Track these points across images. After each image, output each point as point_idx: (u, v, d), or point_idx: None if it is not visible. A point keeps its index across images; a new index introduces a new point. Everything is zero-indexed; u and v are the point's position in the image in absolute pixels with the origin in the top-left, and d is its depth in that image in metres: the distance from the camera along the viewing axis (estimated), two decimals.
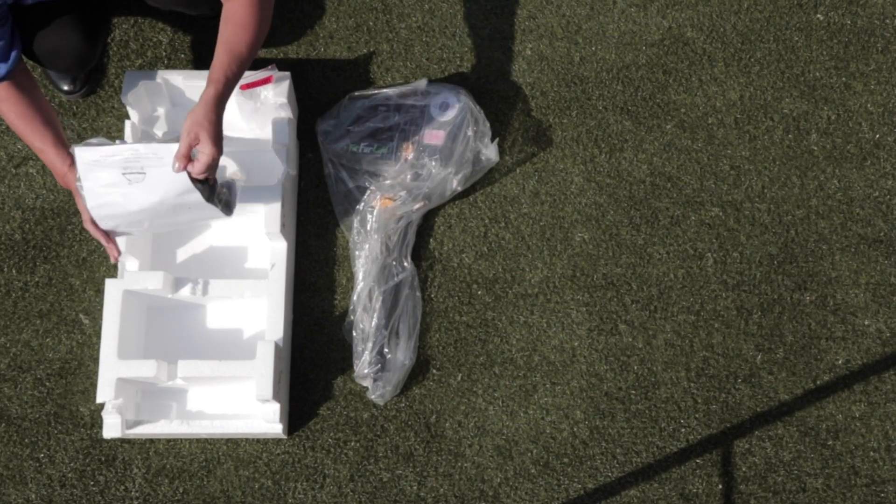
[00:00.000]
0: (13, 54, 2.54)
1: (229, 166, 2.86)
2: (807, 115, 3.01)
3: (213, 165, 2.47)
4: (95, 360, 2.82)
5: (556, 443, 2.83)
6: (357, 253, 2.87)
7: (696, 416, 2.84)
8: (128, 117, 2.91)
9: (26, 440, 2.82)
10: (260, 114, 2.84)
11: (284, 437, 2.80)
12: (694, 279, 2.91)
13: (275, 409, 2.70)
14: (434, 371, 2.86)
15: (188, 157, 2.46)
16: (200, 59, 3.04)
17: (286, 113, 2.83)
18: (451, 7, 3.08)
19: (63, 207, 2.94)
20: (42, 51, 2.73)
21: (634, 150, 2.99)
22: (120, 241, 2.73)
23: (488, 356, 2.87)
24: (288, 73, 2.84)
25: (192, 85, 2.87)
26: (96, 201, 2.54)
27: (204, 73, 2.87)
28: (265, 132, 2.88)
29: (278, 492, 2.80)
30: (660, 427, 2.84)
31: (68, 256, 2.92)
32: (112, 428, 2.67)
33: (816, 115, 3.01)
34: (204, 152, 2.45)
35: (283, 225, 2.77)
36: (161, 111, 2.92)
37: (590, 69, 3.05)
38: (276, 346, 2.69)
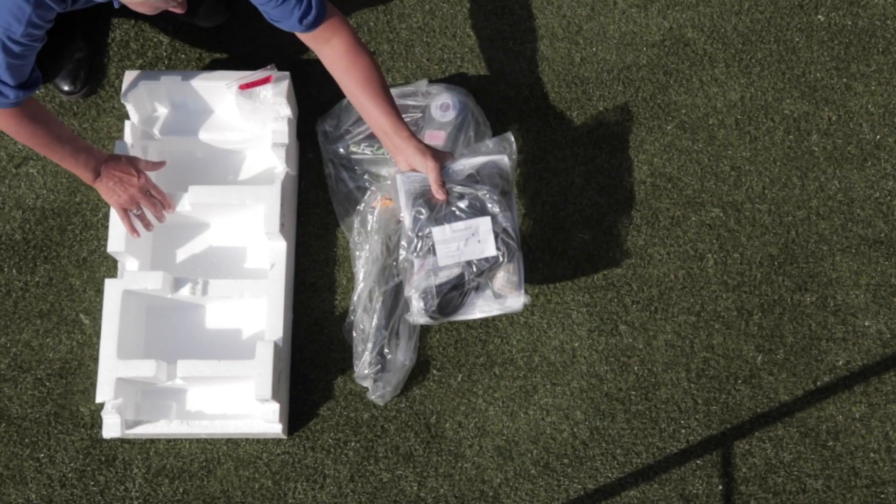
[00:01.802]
0: (38, 75, 2.54)
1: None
2: (807, 116, 3.01)
3: (437, 176, 2.58)
4: (95, 360, 2.82)
5: (556, 443, 2.83)
6: (357, 253, 2.87)
7: (697, 416, 2.84)
8: (128, 117, 2.91)
9: (26, 440, 2.82)
10: (259, 113, 2.84)
11: (284, 437, 2.80)
12: (694, 280, 2.91)
13: (274, 408, 2.70)
14: (434, 371, 2.86)
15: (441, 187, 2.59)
16: (201, 59, 3.03)
17: (286, 112, 2.83)
18: (452, 7, 3.08)
19: (63, 207, 2.94)
20: None
21: (635, 151, 2.99)
22: (120, 240, 2.73)
23: (488, 357, 2.87)
24: (287, 73, 2.84)
25: (192, 85, 2.86)
26: (445, 251, 2.61)
27: (203, 73, 2.87)
28: (264, 132, 2.88)
29: (278, 492, 2.80)
30: (660, 428, 2.84)
31: (68, 256, 2.92)
32: (112, 428, 2.67)
33: (817, 115, 3.01)
34: (427, 170, 2.58)
35: (282, 225, 2.77)
36: (161, 111, 2.92)
37: (590, 70, 3.04)
38: (276, 345, 2.69)
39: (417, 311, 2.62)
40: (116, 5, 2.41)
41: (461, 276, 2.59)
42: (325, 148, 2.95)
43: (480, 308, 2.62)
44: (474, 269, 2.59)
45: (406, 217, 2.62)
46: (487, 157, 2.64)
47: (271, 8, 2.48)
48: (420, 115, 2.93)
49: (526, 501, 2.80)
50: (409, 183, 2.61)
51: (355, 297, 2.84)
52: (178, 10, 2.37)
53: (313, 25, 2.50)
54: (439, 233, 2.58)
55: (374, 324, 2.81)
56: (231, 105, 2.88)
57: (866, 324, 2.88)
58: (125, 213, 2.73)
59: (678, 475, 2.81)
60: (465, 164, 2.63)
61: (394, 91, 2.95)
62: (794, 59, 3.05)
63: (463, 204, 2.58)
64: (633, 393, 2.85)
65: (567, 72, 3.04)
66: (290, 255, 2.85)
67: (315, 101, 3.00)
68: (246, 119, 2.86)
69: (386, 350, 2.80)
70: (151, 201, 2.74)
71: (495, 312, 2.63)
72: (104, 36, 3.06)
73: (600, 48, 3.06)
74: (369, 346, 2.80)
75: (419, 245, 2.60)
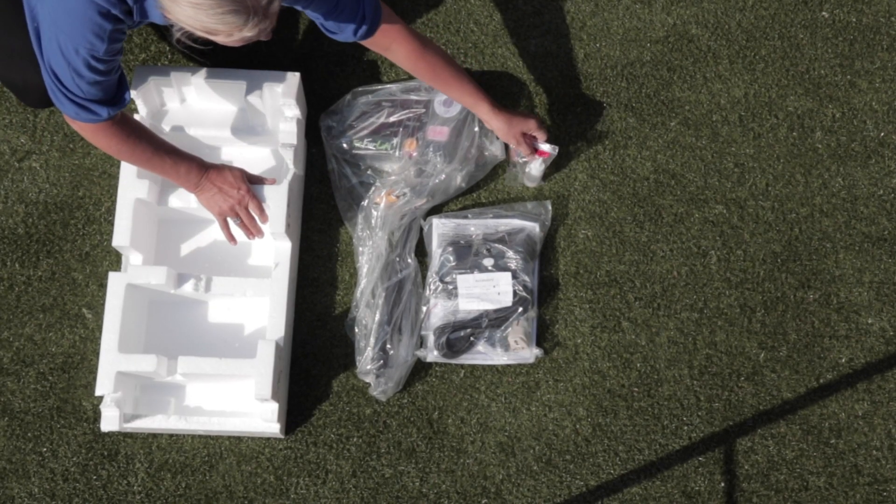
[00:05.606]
0: (126, 90, 2.54)
1: None
2: (811, 113, 3.00)
3: (519, 140, 2.84)
4: (98, 355, 2.82)
5: (558, 440, 2.82)
6: (361, 249, 2.87)
7: (699, 413, 2.83)
8: (137, 112, 2.91)
9: (29, 434, 2.83)
10: (268, 112, 2.83)
11: (282, 436, 2.80)
12: (697, 277, 2.91)
13: (273, 408, 2.70)
14: (436, 367, 2.86)
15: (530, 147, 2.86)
16: (210, 54, 3.03)
17: (294, 113, 2.82)
18: (455, 3, 3.08)
19: (66, 202, 2.95)
20: (10, 84, 2.77)
21: (638, 148, 2.99)
22: (125, 233, 2.74)
23: None
24: (298, 74, 2.83)
25: (201, 81, 2.85)
26: (468, 291, 2.84)
27: (213, 70, 2.86)
28: (272, 131, 2.87)
29: (280, 487, 2.80)
30: (662, 425, 2.83)
31: (71, 251, 2.92)
32: (110, 421, 2.67)
33: (821, 112, 3.00)
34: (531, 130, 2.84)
35: (287, 225, 2.77)
36: (170, 107, 2.91)
37: (594, 66, 3.04)
38: (277, 345, 2.68)
39: (431, 348, 2.80)
40: (177, 34, 2.36)
41: (477, 321, 2.81)
42: (328, 143, 2.95)
43: (492, 357, 2.82)
44: (491, 317, 2.81)
45: (434, 260, 2.86)
46: (522, 223, 2.88)
47: (326, 21, 2.56)
48: (423, 110, 2.93)
49: (528, 497, 2.80)
50: (444, 227, 2.87)
51: (358, 293, 2.84)
52: (265, 39, 2.39)
53: (367, 36, 2.61)
54: (463, 280, 2.83)
55: (376, 319, 2.81)
56: (240, 102, 2.86)
57: (869, 321, 2.88)
58: (224, 221, 2.75)
59: (680, 472, 2.81)
60: (501, 223, 2.88)
61: (396, 86, 2.95)
62: (798, 55, 3.04)
63: (489, 261, 2.84)
64: (636, 389, 2.85)
65: (570, 68, 3.04)
66: (294, 254, 2.85)
67: (319, 96, 3.00)
68: (254, 118, 2.85)
69: (388, 346, 2.80)
70: (248, 216, 2.75)
71: (507, 362, 2.82)
72: None
73: (604, 44, 3.05)
74: (371, 341, 2.80)
75: (441, 288, 2.83)
